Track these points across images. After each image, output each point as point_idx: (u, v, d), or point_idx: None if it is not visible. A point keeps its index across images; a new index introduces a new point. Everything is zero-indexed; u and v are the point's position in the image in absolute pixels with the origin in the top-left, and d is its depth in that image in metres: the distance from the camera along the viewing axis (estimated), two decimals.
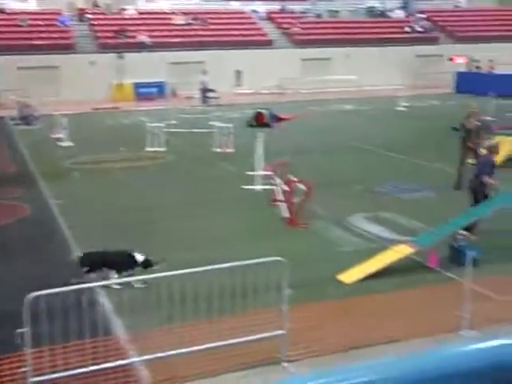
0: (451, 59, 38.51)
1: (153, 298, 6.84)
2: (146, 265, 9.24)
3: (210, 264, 6.95)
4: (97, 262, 9.27)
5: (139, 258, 9.33)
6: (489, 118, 24.24)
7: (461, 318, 7.70)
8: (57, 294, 6.12)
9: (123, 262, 9.27)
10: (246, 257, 7.45)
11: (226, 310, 7.00)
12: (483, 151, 12.54)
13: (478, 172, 11.21)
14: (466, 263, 7.76)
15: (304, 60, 39.65)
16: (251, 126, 24.68)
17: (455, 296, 8.25)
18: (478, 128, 15.59)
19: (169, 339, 6.87)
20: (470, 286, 7.83)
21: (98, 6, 41.13)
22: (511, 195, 10.89)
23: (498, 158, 16.65)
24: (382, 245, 10.76)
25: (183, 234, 11.89)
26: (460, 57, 38.62)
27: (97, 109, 31.71)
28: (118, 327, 7.83)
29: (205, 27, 40.48)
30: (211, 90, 33.54)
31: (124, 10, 41.13)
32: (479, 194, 10.98)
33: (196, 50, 37.90)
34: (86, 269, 9.17)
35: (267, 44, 40.51)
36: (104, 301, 8.47)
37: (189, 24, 40.50)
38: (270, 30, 42.44)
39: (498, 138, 17.71)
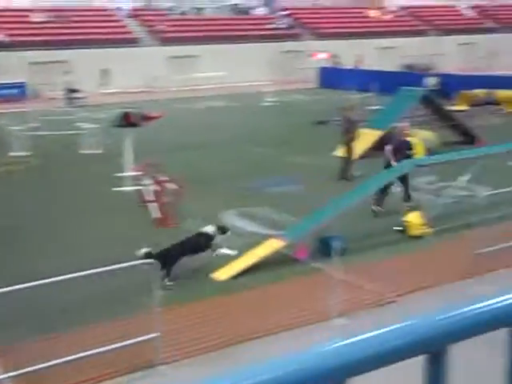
0: (312, 55, 39.73)
1: (18, 310, 6.57)
2: (223, 231, 10.13)
3: (80, 270, 6.80)
4: (174, 256, 9.46)
5: (210, 229, 10.10)
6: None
7: (330, 307, 8.00)
8: None
9: (200, 242, 9.85)
10: (117, 260, 7.36)
11: (98, 317, 6.86)
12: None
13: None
14: (333, 253, 8.07)
15: (171, 58, 39.43)
16: (119, 125, 24.36)
17: (325, 286, 8.57)
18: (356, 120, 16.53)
19: (37, 352, 6.64)
20: (338, 276, 8.16)
21: None
22: (374, 183, 11.42)
23: (360, 149, 17.50)
24: (254, 240, 10.93)
25: (50, 240, 11.51)
26: (322, 53, 39.92)
27: None
28: None
29: (67, 25, 39.22)
30: (76, 91, 32.57)
31: None
32: None
33: (58, 48, 36.63)
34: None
35: (133, 42, 39.92)
36: None
37: (49, 21, 39.08)
38: (135, 28, 41.84)
39: (361, 130, 18.61)
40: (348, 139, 16.11)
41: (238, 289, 8.94)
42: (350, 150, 16.08)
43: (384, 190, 12.03)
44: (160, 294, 7.16)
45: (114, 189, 14.88)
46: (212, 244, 9.91)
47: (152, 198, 13.08)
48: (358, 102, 17.03)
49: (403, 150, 12.49)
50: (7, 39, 36.44)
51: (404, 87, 19.89)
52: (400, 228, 11.12)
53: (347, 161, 15.94)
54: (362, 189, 11.10)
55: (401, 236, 10.96)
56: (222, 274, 9.48)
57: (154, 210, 12.60)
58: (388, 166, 12.34)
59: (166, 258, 9.17)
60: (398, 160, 12.09)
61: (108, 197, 14.43)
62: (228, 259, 9.84)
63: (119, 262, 7.04)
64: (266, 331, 7.70)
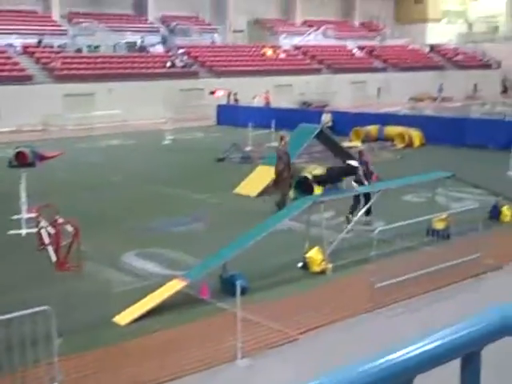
0: (212, 93, 40.15)
1: None
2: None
3: None
4: (335, 177, 12.92)
5: (354, 163, 13.45)
6: (248, 148, 25.73)
7: (235, 348, 7.96)
8: None
9: (349, 169, 13.23)
10: (13, 308, 7.05)
11: None
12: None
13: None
14: (236, 292, 8.06)
15: (66, 96, 38.65)
16: (12, 166, 23.50)
17: (229, 326, 8.55)
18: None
19: None
20: (241, 315, 8.15)
21: None
22: (275, 221, 11.56)
23: (259, 186, 17.73)
24: (156, 281, 10.77)
25: None
26: (219, 90, 40.41)
27: None
28: None
29: None
30: None
31: None
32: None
33: None
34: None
35: (26, 79, 38.84)
36: None
37: None
38: (28, 65, 40.80)
39: (259, 167, 18.89)
40: (283, 172, 15.96)
41: (141, 333, 8.73)
42: (286, 184, 15.96)
43: (356, 200, 13.61)
44: (59, 342, 6.89)
45: (10, 232, 14.28)
46: (357, 173, 13.37)
47: (49, 240, 12.67)
48: (286, 134, 17.21)
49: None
50: None
51: (301, 124, 20.40)
52: (302, 264, 11.27)
53: (284, 194, 15.90)
54: (263, 227, 11.19)
55: (303, 272, 11.11)
56: (124, 318, 9.24)
57: (52, 253, 12.19)
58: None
59: (328, 179, 13.27)
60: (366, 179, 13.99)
61: (4, 241, 13.83)
62: (129, 302, 9.62)
63: (16, 310, 6.73)
64: (169, 375, 7.54)
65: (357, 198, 13.78)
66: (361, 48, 58.72)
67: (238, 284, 8.15)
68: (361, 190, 13.72)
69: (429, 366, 1.81)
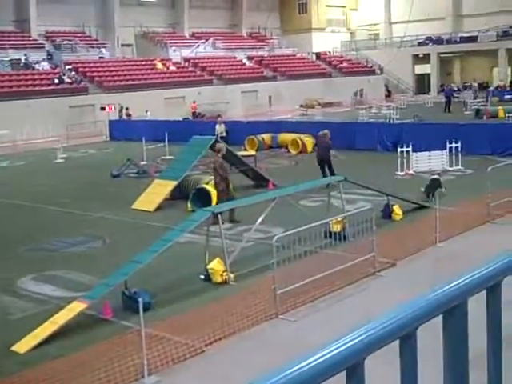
0: (103, 108, 39.51)
1: None
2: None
3: None
4: (435, 186, 16.56)
5: (437, 177, 17.40)
6: (143, 163, 25.51)
7: (141, 366, 7.87)
8: None
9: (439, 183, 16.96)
10: None
11: None
12: None
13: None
14: (139, 309, 7.96)
15: None
16: None
17: (134, 344, 8.44)
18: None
19: None
20: (146, 331, 8.07)
21: None
22: (176, 234, 11.51)
23: (157, 201, 17.60)
24: (55, 305, 10.47)
25: None
26: (110, 105, 39.83)
27: None
28: None
29: None
30: None
31: None
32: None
33: None
34: None
35: None
36: None
37: None
38: None
39: (155, 181, 18.75)
40: (220, 184, 15.78)
41: (43, 359, 8.46)
42: (224, 195, 15.64)
43: None
44: None
45: None
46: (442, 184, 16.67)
47: None
48: (223, 146, 17.00)
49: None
50: None
51: (194, 136, 20.45)
52: (204, 276, 11.29)
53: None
54: (163, 241, 11.12)
55: (206, 284, 11.13)
56: (23, 346, 8.92)
57: None
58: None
59: (431, 189, 16.16)
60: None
61: None
62: (28, 329, 9.30)
63: None
64: None
65: None
66: (250, 58, 59.61)
67: (141, 300, 8.06)
68: (258, 198, 13.91)
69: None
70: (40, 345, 8.95)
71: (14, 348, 8.89)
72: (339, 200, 14.24)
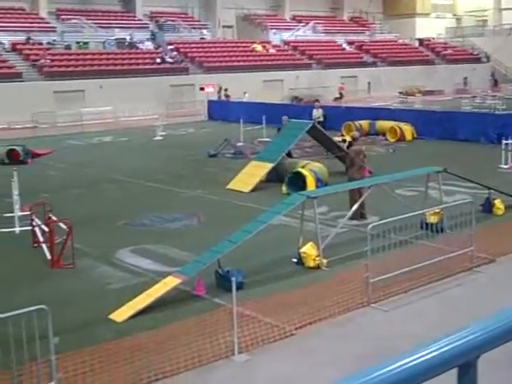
0: (202, 88, 40.12)
1: None
2: None
3: None
4: None
5: None
6: (240, 144, 25.73)
7: (231, 343, 7.98)
8: None
9: None
10: (9, 306, 7.03)
11: None
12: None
13: None
14: (232, 288, 8.07)
15: (57, 92, 38.51)
16: (4, 163, 23.43)
17: (224, 322, 8.58)
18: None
19: None
20: (238, 310, 8.16)
21: None
22: (270, 216, 11.56)
23: (253, 183, 17.73)
24: (151, 278, 10.80)
25: None
26: (209, 86, 40.41)
27: None
28: None
29: None
30: None
31: None
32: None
33: None
34: None
35: (16, 76, 38.65)
36: None
37: None
38: (17, 62, 40.59)
39: (252, 163, 18.90)
40: (358, 172, 14.87)
41: (137, 330, 8.73)
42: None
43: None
44: (55, 341, 6.88)
45: (3, 230, 14.23)
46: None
47: (43, 238, 12.65)
48: (358, 133, 16.79)
49: None
50: None
51: (292, 119, 20.42)
52: (297, 260, 11.30)
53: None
54: (257, 222, 11.20)
55: (298, 268, 11.14)
56: (120, 315, 9.24)
57: (47, 251, 12.16)
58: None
59: None
60: None
61: None
62: (124, 299, 9.62)
63: (12, 309, 6.72)
64: (167, 372, 7.55)
65: (352, 193, 13.84)
66: (350, 43, 58.79)
67: (234, 280, 8.16)
68: (354, 184, 13.76)
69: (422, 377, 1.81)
70: (135, 315, 9.25)
71: (112, 316, 9.23)
72: (437, 191, 13.87)
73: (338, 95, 47.62)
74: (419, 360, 1.77)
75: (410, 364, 1.75)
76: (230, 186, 18.10)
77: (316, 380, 7.33)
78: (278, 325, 8.64)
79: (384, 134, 27.85)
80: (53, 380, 6.78)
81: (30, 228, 13.41)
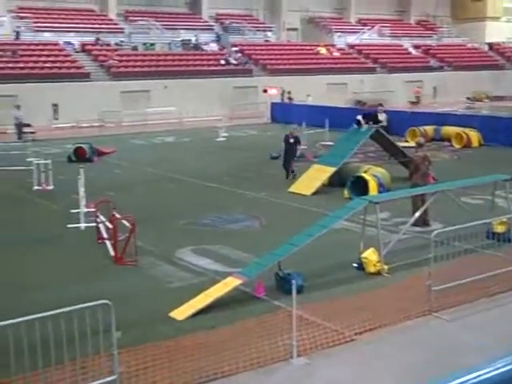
0: (265, 90, 40.22)
1: None
2: None
3: (34, 310, 6.63)
4: None
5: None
6: (302, 147, 25.65)
7: (290, 346, 7.96)
8: None
9: None
10: (73, 300, 7.20)
11: (52, 360, 6.65)
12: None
13: None
14: (292, 291, 8.05)
15: (123, 92, 39.29)
16: (71, 161, 24.06)
17: (283, 324, 8.56)
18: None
19: None
20: (297, 314, 8.14)
21: None
22: (332, 220, 11.50)
23: (314, 186, 17.68)
24: (211, 278, 10.89)
25: (3, 277, 11.20)
26: (272, 88, 40.47)
27: None
28: None
29: (15, 59, 38.77)
30: (27, 125, 32.07)
31: None
32: None
33: (7, 82, 36.09)
34: None
35: (84, 76, 39.64)
36: None
37: None
38: (85, 63, 41.61)
39: (314, 166, 18.85)
40: (422, 178, 14.54)
41: (197, 329, 8.81)
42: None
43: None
44: (118, 335, 7.01)
45: (69, 226, 14.61)
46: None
47: (107, 235, 12.92)
48: (423, 140, 16.49)
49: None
50: None
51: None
52: (357, 265, 11.20)
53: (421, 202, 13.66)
54: (319, 226, 11.14)
55: (358, 273, 11.03)
56: (181, 314, 9.35)
57: (111, 248, 12.42)
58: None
59: None
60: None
61: (63, 234, 14.15)
62: (185, 297, 9.73)
63: (76, 303, 6.88)
64: (225, 372, 7.60)
65: (415, 199, 13.64)
66: (416, 47, 57.88)
67: (294, 283, 8.14)
68: (418, 190, 13.55)
69: None
70: (195, 314, 9.34)
71: (172, 314, 9.35)
72: (504, 200, 13.52)
73: (414, 99, 47.30)
74: (491, 374, 1.72)
75: (482, 377, 1.70)
76: (292, 188, 18.10)
77: None
78: (337, 329, 8.58)
79: (449, 140, 27.32)
80: (114, 373, 6.90)
81: (94, 224, 13.73)
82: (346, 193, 16.74)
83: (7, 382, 6.58)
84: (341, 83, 47.38)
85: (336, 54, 52.07)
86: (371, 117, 20.21)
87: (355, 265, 11.26)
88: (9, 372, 6.45)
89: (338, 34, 55.62)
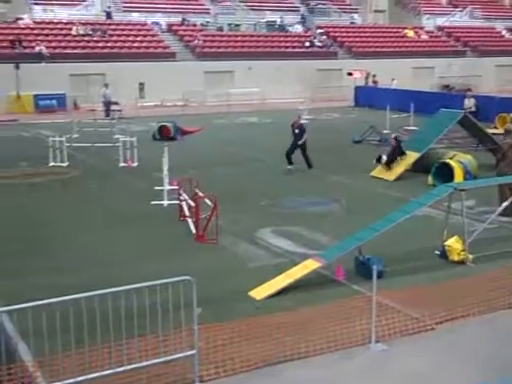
0: (350, 74, 39.71)
1: (59, 321, 6.58)
2: None
3: (117, 284, 6.83)
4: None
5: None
6: (386, 131, 25.23)
7: (368, 332, 7.90)
8: None
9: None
10: (155, 275, 7.37)
11: (135, 332, 6.85)
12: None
13: None
14: (373, 276, 7.96)
15: (207, 73, 39.74)
16: (156, 139, 24.57)
17: (362, 309, 8.47)
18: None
19: (77, 364, 6.66)
20: (377, 299, 8.05)
21: None
22: (415, 206, 11.29)
23: (398, 171, 17.39)
24: (291, 259, 10.93)
25: (90, 252, 11.59)
26: (357, 71, 39.92)
27: None
28: (24, 352, 7.48)
29: (105, 38, 39.81)
30: (114, 103, 32.96)
31: (19, 19, 39.73)
32: None
33: (96, 61, 37.14)
34: None
35: (170, 56, 40.31)
36: (6, 325, 8.09)
37: (88, 35, 39.69)
38: (171, 43, 42.27)
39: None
40: (509, 167, 14.06)
41: (275, 309, 8.86)
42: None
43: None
44: (199, 311, 7.13)
45: (153, 202, 14.94)
46: None
47: (189, 213, 13.14)
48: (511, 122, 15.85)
49: None
50: (49, 51, 37.07)
51: (443, 108, 19.72)
52: (440, 252, 10.96)
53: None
54: (401, 211, 10.96)
55: (441, 261, 10.80)
56: (260, 293, 9.43)
57: (192, 226, 12.64)
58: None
59: None
60: None
61: (146, 210, 14.49)
62: (264, 277, 9.80)
63: (157, 278, 7.03)
64: (303, 353, 7.62)
65: (502, 187, 13.19)
66: (510, 30, 55.68)
67: (375, 268, 8.04)
68: (506, 179, 13.09)
69: None
70: (274, 295, 9.39)
71: (251, 293, 9.44)
72: None
73: None
74: None
75: None
76: (374, 173, 17.87)
77: (453, 379, 7.10)
78: (417, 317, 8.44)
79: None
80: (194, 348, 7.03)
81: (177, 202, 13.99)
82: (430, 179, 16.38)
83: (94, 350, 6.82)
84: (427, 67, 46.22)
85: (424, 36, 50.80)
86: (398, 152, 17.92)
87: (438, 252, 11.03)
88: (96, 341, 6.68)
89: (427, 15, 54.18)
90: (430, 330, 8.24)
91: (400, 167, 17.60)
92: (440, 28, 53.21)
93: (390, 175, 17.38)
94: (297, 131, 18.94)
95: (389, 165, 17.61)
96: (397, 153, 17.78)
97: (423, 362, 7.51)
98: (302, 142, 18.87)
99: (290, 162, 18.81)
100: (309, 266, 9.98)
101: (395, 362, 7.51)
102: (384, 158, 17.76)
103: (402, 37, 49.84)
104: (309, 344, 7.77)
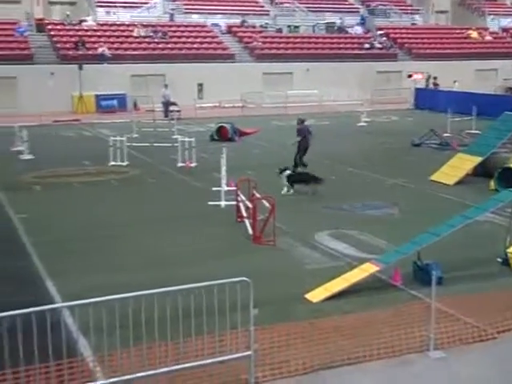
0: (410, 76, 39.17)
1: (118, 318, 6.68)
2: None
3: (175, 283, 6.89)
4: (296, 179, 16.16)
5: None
6: (446, 134, 24.79)
7: (427, 338, 7.76)
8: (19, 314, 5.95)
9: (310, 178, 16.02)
10: (212, 275, 7.40)
11: (191, 331, 6.90)
12: None
13: None
14: (432, 282, 7.82)
15: (266, 74, 39.83)
16: (214, 140, 24.77)
17: (420, 315, 8.33)
18: None
19: (135, 361, 6.75)
20: (436, 306, 7.90)
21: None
22: (477, 211, 11.04)
23: (459, 175, 17.06)
24: (348, 262, 10.84)
25: (148, 251, 11.76)
26: (418, 73, 39.33)
27: (57, 121, 31.21)
28: (84, 348, 7.64)
29: (165, 40, 40.37)
30: (174, 104, 33.37)
31: (83, 21, 40.69)
32: None
33: (157, 62, 37.72)
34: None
35: (229, 58, 40.58)
36: (68, 321, 8.27)
37: (149, 36, 40.33)
38: (231, 44, 42.54)
39: (458, 155, 18.17)
40: None
41: (332, 312, 8.81)
42: None
43: None
44: (255, 313, 7.13)
45: (210, 203, 15.05)
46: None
47: (247, 214, 13.17)
48: None
49: None
50: (110, 52, 37.84)
51: (507, 112, 19.24)
52: (502, 260, 10.68)
53: None
54: (462, 217, 10.73)
55: (503, 268, 10.53)
56: (316, 296, 9.39)
57: (249, 227, 12.67)
58: None
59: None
60: None
61: (204, 211, 14.60)
62: (320, 280, 9.75)
63: (214, 278, 7.06)
64: (359, 358, 7.54)
65: None
66: None
67: (434, 274, 7.90)
68: None
69: None
70: (330, 298, 9.33)
71: (307, 296, 9.40)
72: None
73: None
74: None
75: None
76: (434, 177, 17.56)
77: None
78: (478, 326, 8.24)
79: None
80: (250, 349, 7.04)
81: (234, 203, 14.04)
82: (492, 184, 16.00)
83: (151, 347, 6.90)
84: (491, 69, 45.20)
85: (488, 37, 49.66)
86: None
87: (500, 260, 10.75)
88: (153, 339, 6.76)
89: (492, 16, 52.94)
90: (492, 339, 8.04)
91: (461, 171, 17.25)
92: (505, 29, 51.94)
93: (450, 179, 17.05)
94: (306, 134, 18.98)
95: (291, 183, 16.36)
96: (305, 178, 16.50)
97: (483, 371, 7.34)
98: (298, 141, 18.94)
99: (304, 165, 18.62)
100: (366, 269, 9.88)
101: (454, 370, 7.36)
102: (287, 172, 16.49)
103: (465, 38, 48.87)
104: (366, 349, 7.69)
